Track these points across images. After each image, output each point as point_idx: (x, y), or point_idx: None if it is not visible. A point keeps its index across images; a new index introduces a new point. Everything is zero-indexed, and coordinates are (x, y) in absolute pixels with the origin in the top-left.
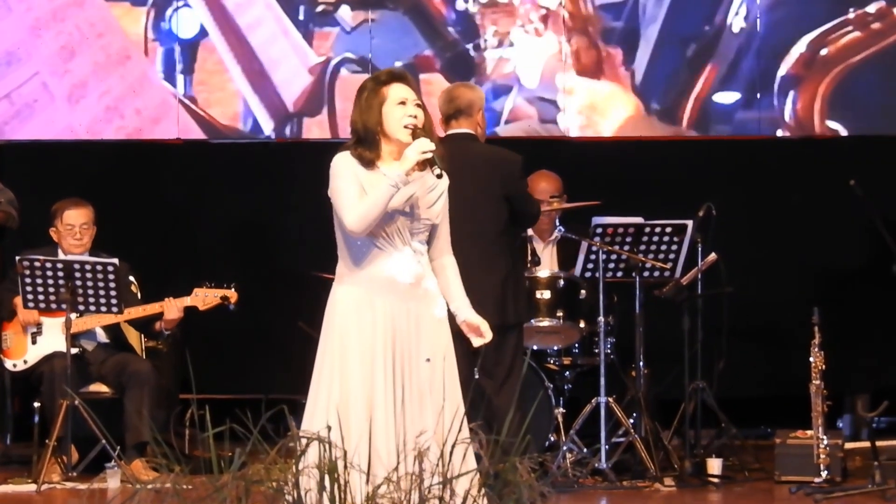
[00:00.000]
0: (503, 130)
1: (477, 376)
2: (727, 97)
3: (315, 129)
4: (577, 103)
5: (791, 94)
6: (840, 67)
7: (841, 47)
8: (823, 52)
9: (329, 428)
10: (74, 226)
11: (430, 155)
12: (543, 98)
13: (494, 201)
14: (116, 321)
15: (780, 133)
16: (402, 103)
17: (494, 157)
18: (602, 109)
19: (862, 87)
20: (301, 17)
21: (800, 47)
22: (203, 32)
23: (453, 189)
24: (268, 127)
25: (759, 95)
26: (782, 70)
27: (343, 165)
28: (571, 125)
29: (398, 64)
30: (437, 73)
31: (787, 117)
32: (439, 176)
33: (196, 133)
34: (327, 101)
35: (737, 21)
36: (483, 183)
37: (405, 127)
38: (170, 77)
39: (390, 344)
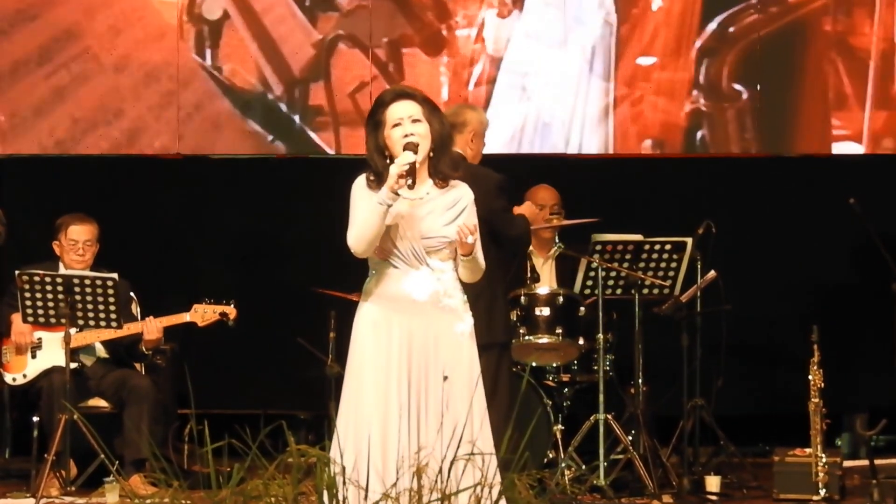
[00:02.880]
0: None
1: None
2: (647, 60)
3: (319, 92)
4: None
5: (704, 61)
6: (744, 42)
7: (745, 25)
8: (731, 29)
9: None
10: (78, 242)
11: (407, 167)
12: (507, 69)
13: None
14: (115, 336)
15: (695, 93)
16: (398, 124)
17: (470, 174)
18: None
19: (760, 58)
20: (307, 3)
21: (712, 25)
22: (227, 15)
23: None
24: (278, 90)
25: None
26: (698, 42)
27: (357, 189)
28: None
29: (384, 40)
30: (416, 47)
31: (700, 79)
32: (410, 187)
33: (218, 96)
34: (324, 69)
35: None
36: None
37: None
38: (200, 52)
39: (406, 362)
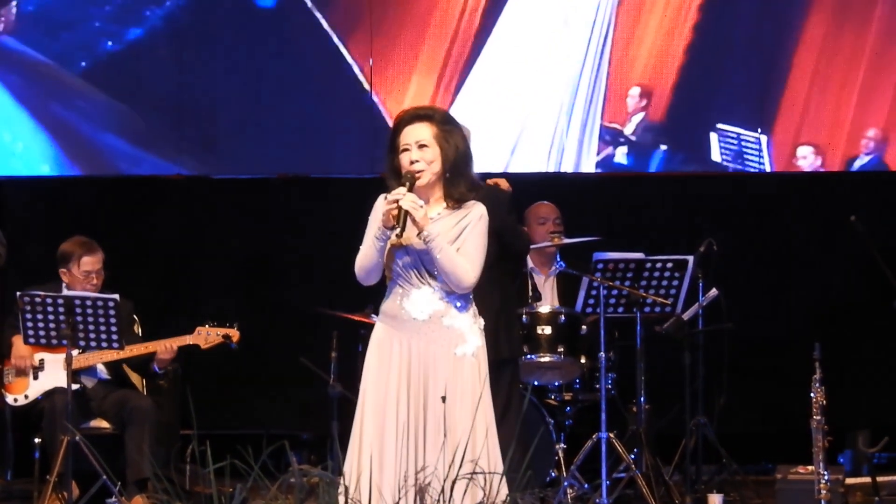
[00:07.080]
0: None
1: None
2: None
3: None
4: None
5: None
6: None
7: None
8: None
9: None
10: (91, 272)
11: (394, 207)
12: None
13: None
14: (118, 358)
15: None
16: (406, 149)
17: (481, 191)
18: None
19: None
20: None
21: None
22: None
23: None
24: None
25: None
26: None
27: (373, 212)
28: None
29: None
30: None
31: None
32: (398, 236)
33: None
34: None
35: None
36: None
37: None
38: None
39: (405, 381)
